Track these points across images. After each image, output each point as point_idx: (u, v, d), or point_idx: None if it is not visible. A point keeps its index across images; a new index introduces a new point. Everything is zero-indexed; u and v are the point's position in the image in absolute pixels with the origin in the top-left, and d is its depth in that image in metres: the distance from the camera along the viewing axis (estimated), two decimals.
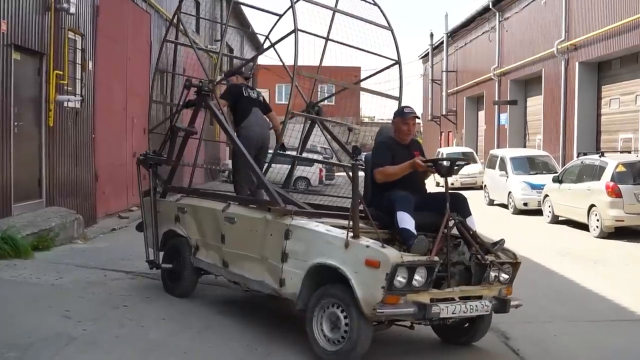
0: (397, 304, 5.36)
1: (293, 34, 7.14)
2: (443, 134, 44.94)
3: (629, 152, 18.92)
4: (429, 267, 5.48)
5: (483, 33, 34.99)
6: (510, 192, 20.82)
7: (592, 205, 15.35)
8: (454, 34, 40.60)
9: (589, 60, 23.60)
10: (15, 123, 10.75)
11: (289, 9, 8.39)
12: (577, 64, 24.05)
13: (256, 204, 7.02)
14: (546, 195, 18.36)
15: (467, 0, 78.46)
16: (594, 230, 15.28)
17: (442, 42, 42.47)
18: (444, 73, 41.88)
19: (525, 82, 30.90)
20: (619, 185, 14.75)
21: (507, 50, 31.61)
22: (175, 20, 9.31)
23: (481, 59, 35.57)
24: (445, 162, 6.18)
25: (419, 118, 6.52)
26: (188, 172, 9.35)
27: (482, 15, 34.65)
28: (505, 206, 21.38)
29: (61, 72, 12.13)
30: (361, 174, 6.10)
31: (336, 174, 27.27)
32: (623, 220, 14.68)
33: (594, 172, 15.88)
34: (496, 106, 32.67)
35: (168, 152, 8.45)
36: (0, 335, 5.88)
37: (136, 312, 7.04)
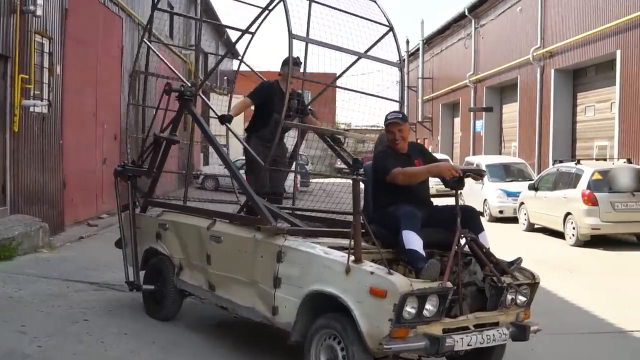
0: (406, 337, 4.72)
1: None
2: (419, 140, 44.81)
3: (605, 159, 18.91)
4: (442, 294, 4.83)
5: (459, 40, 35.04)
6: (485, 200, 20.73)
7: (568, 213, 15.27)
8: (430, 41, 40.65)
9: (565, 67, 23.64)
10: None
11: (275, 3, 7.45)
12: (552, 71, 24.09)
13: (244, 222, 6.28)
14: (522, 203, 18.29)
15: (443, 7, 78.90)
16: (570, 238, 15.19)
17: (418, 49, 42.47)
18: (420, 80, 41.90)
19: (500, 89, 30.94)
20: (595, 193, 14.69)
21: (483, 57, 31.63)
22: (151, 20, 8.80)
23: (457, 65, 35.57)
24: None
25: (404, 121, 5.92)
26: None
27: (457, 22, 34.71)
28: (480, 214, 21.18)
29: (27, 76, 11.78)
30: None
31: (311, 180, 26.88)
32: (599, 229, 14.62)
33: (570, 180, 15.81)
34: (472, 113, 32.68)
35: (150, 162, 7.71)
36: None
37: (97, 327, 6.72)
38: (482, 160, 22.60)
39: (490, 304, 5.27)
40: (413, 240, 5.22)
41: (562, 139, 23.93)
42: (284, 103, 6.39)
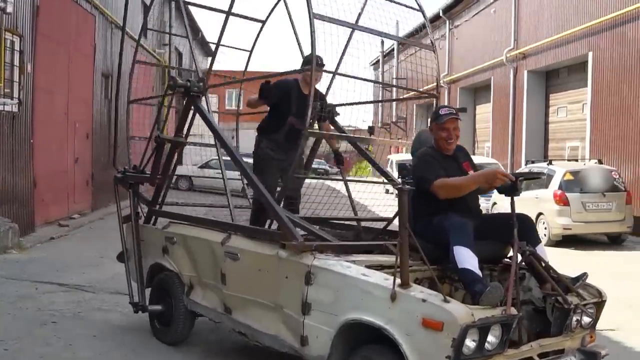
0: None
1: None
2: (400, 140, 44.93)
3: (576, 160, 19.07)
4: (505, 323, 4.06)
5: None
6: None
7: (540, 214, 15.36)
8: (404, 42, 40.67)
9: (537, 68, 23.81)
10: None
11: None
12: (525, 72, 24.26)
13: (265, 237, 5.46)
14: (494, 203, 18.34)
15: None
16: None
17: (392, 49, 42.55)
18: (395, 80, 41.95)
19: (474, 90, 31.11)
20: (567, 194, 14.83)
21: (457, 58, 31.80)
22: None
23: (431, 66, 35.65)
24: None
25: (459, 119, 5.11)
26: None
27: (432, 22, 34.79)
28: None
29: None
30: None
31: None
32: (570, 229, 14.76)
33: (542, 180, 15.90)
34: None
35: (152, 168, 6.88)
36: None
37: (65, 330, 6.65)
38: None
39: (554, 328, 4.59)
40: (466, 258, 4.47)
41: (534, 139, 24.11)
42: (302, 107, 5.68)
